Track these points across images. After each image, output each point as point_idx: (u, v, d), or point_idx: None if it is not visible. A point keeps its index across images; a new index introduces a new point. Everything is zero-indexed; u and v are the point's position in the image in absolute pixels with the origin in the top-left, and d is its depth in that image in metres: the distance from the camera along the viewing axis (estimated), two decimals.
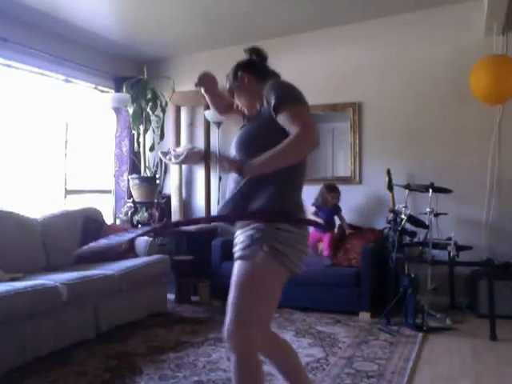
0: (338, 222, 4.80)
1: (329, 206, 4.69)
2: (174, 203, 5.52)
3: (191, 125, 5.71)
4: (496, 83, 4.01)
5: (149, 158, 5.49)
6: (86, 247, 2.02)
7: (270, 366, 2.13)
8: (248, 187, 1.80)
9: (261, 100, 1.89)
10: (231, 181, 1.89)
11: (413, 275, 3.91)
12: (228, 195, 1.88)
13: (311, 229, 4.56)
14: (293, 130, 1.70)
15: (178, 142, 5.60)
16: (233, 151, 1.93)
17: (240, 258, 1.77)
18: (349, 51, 5.06)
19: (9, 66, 4.19)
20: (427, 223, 4.05)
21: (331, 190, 4.70)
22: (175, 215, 5.48)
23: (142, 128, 5.18)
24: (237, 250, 1.81)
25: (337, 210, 4.74)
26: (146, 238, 4.52)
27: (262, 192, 1.78)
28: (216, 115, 2.31)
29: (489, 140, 4.53)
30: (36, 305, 3.03)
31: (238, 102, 2.05)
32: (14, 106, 4.35)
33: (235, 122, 2.20)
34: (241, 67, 2.03)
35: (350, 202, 4.92)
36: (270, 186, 1.79)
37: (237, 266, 1.77)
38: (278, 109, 1.75)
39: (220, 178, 5.28)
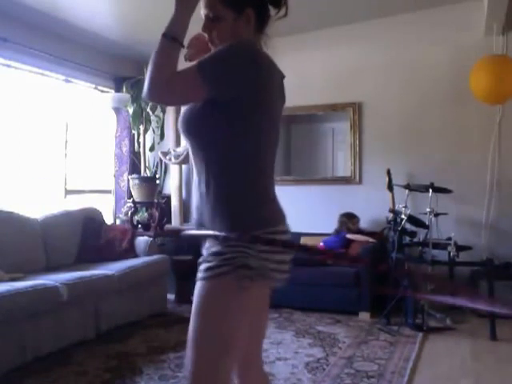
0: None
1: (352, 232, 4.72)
2: (174, 203, 5.52)
3: None
4: (496, 83, 4.01)
5: (149, 158, 5.49)
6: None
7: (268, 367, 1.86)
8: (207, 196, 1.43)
9: None
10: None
11: (413, 275, 3.91)
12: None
13: (321, 246, 4.65)
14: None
15: (177, 142, 5.59)
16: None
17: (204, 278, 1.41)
18: (349, 51, 5.06)
19: (9, 66, 4.19)
20: (427, 223, 4.05)
21: (352, 217, 4.76)
22: (175, 215, 5.48)
23: (141, 128, 5.18)
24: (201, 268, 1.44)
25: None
26: (145, 237, 4.52)
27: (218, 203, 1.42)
28: None
29: (489, 140, 4.53)
30: (36, 305, 3.03)
31: (204, 45, 1.51)
32: (14, 106, 4.35)
33: None
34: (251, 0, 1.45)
35: (350, 202, 4.92)
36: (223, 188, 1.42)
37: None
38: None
39: None
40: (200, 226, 1.46)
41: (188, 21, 1.39)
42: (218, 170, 1.42)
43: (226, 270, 1.35)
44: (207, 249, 1.46)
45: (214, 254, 1.38)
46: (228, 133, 1.39)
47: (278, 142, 1.51)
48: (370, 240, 4.52)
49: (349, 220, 4.71)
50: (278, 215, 1.47)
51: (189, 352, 1.38)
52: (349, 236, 4.62)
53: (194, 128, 1.43)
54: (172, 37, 1.34)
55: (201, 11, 1.46)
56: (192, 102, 1.42)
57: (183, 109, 1.48)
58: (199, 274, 1.42)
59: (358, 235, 4.61)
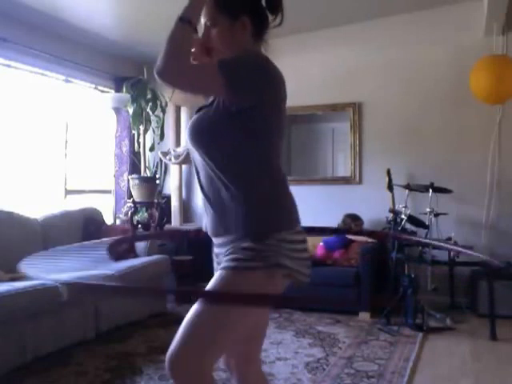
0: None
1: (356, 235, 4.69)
2: (174, 203, 5.52)
3: None
4: (496, 83, 4.01)
5: (149, 158, 5.49)
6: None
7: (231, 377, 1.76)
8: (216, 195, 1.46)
9: None
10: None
11: (413, 275, 3.92)
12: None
13: (321, 247, 4.64)
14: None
15: (177, 142, 5.60)
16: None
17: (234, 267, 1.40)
18: (349, 51, 5.06)
19: (9, 66, 4.19)
20: (427, 223, 4.05)
21: (355, 219, 4.73)
22: (175, 215, 5.48)
23: (141, 128, 5.17)
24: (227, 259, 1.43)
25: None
26: None
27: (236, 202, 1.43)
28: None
29: (489, 140, 4.53)
30: (36, 305, 3.03)
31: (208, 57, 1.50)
32: (14, 106, 4.35)
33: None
34: (245, 4, 1.48)
35: (350, 202, 4.92)
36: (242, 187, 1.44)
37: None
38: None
39: None
40: (219, 233, 1.48)
41: (202, 8, 1.43)
42: (237, 178, 1.44)
43: (257, 266, 1.37)
44: (223, 246, 1.47)
45: (246, 248, 1.39)
46: (244, 141, 1.42)
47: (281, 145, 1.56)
48: (369, 240, 4.51)
49: (352, 221, 4.71)
50: (297, 215, 1.59)
51: (184, 329, 1.38)
52: (350, 236, 4.61)
53: (207, 138, 1.43)
54: (188, 20, 1.36)
55: (201, 20, 1.49)
56: (203, 94, 1.48)
57: (192, 119, 1.50)
58: (224, 263, 1.41)
59: (359, 236, 4.60)
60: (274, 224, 1.45)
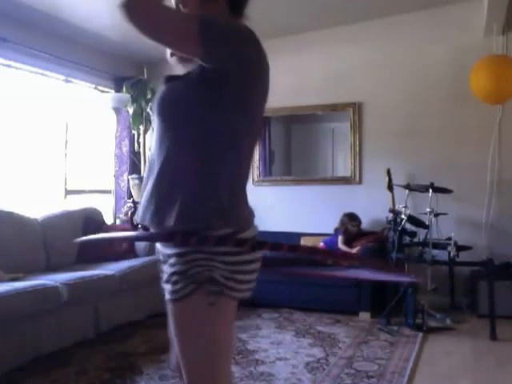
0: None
1: (350, 236, 4.67)
2: None
3: None
4: (496, 83, 4.01)
5: (149, 158, 5.49)
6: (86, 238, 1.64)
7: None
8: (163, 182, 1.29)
9: None
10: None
11: (413, 275, 3.91)
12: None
13: (321, 246, 4.65)
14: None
15: None
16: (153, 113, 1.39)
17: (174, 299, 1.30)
18: (349, 51, 5.06)
19: (9, 66, 4.19)
20: (427, 223, 4.05)
21: (352, 219, 4.70)
22: None
23: (141, 128, 5.17)
24: (167, 286, 1.32)
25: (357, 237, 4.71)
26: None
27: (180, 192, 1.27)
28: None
29: (489, 140, 4.53)
30: (36, 305, 3.03)
31: None
32: (13, 106, 4.35)
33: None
34: None
35: (350, 202, 4.92)
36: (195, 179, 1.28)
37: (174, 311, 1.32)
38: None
39: None
40: (156, 224, 1.31)
41: None
42: (192, 158, 1.27)
43: (191, 290, 1.26)
44: (165, 258, 1.36)
45: (176, 273, 1.27)
46: (210, 117, 1.28)
47: (257, 137, 1.43)
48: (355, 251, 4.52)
49: (349, 221, 4.70)
50: (253, 215, 1.37)
51: (188, 373, 1.31)
52: (340, 246, 4.61)
53: (174, 110, 1.30)
54: None
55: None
56: (170, 43, 1.26)
57: (163, 89, 1.36)
58: (167, 295, 1.32)
59: (350, 249, 4.59)
60: (231, 221, 1.27)
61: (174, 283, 1.28)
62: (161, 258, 1.43)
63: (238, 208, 1.30)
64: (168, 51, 1.44)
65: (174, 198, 1.26)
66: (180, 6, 1.37)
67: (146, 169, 1.39)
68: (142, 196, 1.35)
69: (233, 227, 1.27)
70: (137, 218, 1.38)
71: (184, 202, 1.25)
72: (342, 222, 4.73)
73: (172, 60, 1.48)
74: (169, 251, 1.33)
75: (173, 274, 1.29)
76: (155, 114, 1.34)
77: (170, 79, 1.39)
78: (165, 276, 1.34)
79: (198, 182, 1.27)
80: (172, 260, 1.30)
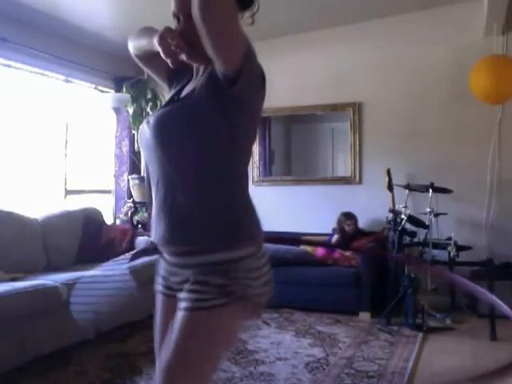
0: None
1: (348, 234, 4.67)
2: None
3: None
4: (496, 83, 4.01)
5: None
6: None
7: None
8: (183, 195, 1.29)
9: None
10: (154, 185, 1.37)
11: (413, 275, 3.91)
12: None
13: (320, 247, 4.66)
14: None
15: None
16: (147, 138, 1.34)
17: (195, 308, 1.27)
18: (349, 51, 5.06)
19: (9, 66, 4.19)
20: (427, 223, 4.05)
21: (348, 217, 4.70)
22: None
23: None
24: (186, 294, 1.30)
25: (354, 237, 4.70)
26: (145, 237, 4.51)
27: (207, 205, 1.30)
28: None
29: (489, 140, 4.53)
30: (36, 305, 3.03)
31: (185, 45, 1.31)
32: (13, 106, 4.35)
33: (159, 75, 1.58)
34: None
35: (350, 202, 4.92)
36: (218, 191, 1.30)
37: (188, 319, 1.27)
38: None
39: None
40: (177, 244, 1.33)
41: None
42: (216, 179, 1.30)
43: (224, 302, 1.26)
44: (178, 268, 1.36)
45: (212, 285, 1.27)
46: (228, 135, 1.30)
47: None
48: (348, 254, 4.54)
49: (345, 220, 4.70)
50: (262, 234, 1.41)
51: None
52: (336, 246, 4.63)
53: (185, 131, 1.28)
54: None
55: (173, 10, 1.35)
56: (222, 44, 1.21)
57: (158, 114, 1.35)
58: (185, 303, 1.28)
59: (345, 252, 4.60)
60: (254, 235, 1.34)
61: (202, 292, 1.27)
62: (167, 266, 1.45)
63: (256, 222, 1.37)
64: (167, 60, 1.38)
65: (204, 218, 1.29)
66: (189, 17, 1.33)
67: (154, 186, 1.36)
68: (157, 214, 1.34)
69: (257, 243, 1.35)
70: (155, 238, 1.37)
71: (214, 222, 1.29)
72: (339, 222, 4.73)
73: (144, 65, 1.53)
74: (194, 261, 1.32)
75: (202, 282, 1.28)
76: (153, 133, 1.31)
77: (169, 103, 1.41)
78: (185, 282, 1.32)
79: (227, 201, 1.31)
80: (202, 270, 1.30)
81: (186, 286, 1.31)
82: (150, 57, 1.50)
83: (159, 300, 1.47)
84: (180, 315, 1.28)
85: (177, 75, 1.50)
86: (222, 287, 1.26)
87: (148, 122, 1.35)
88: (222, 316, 1.27)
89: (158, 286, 1.47)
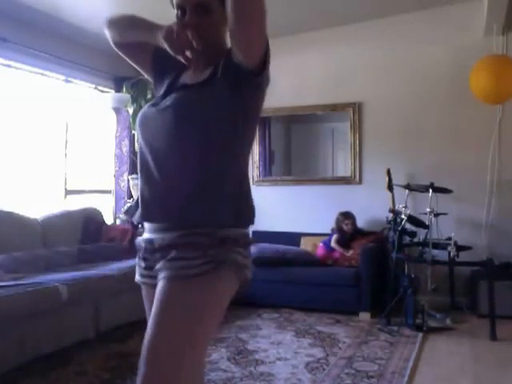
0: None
1: (346, 235, 4.67)
2: None
3: None
4: (496, 83, 4.01)
5: None
6: None
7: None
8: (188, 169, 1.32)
9: (219, 49, 1.38)
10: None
11: (413, 275, 3.91)
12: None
13: (321, 247, 4.66)
14: None
15: None
16: (156, 119, 1.35)
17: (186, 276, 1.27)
18: (349, 51, 5.06)
19: (9, 66, 4.19)
20: (427, 223, 4.05)
21: (346, 217, 4.70)
22: None
23: None
24: (171, 265, 1.30)
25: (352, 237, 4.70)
26: None
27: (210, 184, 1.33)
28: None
29: (489, 140, 4.53)
30: (36, 305, 3.03)
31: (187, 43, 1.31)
32: (13, 106, 4.35)
33: (141, 64, 1.58)
34: None
35: (350, 202, 4.92)
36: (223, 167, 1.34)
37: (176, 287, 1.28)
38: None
39: None
40: (178, 222, 1.32)
41: None
42: (221, 162, 1.33)
43: (213, 267, 1.27)
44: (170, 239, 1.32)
45: (198, 247, 1.28)
46: (240, 126, 1.35)
47: None
48: (347, 254, 4.56)
49: (343, 219, 4.70)
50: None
51: (160, 358, 1.21)
52: (333, 245, 4.62)
53: (204, 114, 1.31)
54: None
55: (178, 1, 1.35)
56: (248, 34, 1.27)
57: (176, 97, 1.35)
58: (166, 272, 1.28)
59: (338, 247, 4.61)
60: (249, 218, 1.39)
61: (192, 260, 1.27)
62: (145, 245, 1.42)
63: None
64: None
65: (202, 197, 1.31)
66: (202, 10, 1.34)
67: (154, 166, 1.35)
68: (151, 192, 1.35)
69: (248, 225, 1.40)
70: (142, 215, 1.38)
71: (212, 201, 1.31)
72: (337, 221, 4.73)
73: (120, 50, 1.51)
74: (172, 240, 1.32)
75: (187, 246, 1.29)
76: (176, 116, 1.32)
77: (183, 87, 1.40)
78: (167, 256, 1.31)
79: (227, 183, 1.33)
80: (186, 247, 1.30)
81: (170, 255, 1.30)
82: (133, 46, 1.51)
83: (146, 292, 1.47)
84: (161, 286, 1.27)
85: (161, 64, 1.50)
86: (207, 249, 1.27)
87: (155, 105, 1.38)
88: (211, 281, 1.27)
89: (143, 278, 1.46)
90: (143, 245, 1.43)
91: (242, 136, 1.37)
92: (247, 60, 1.28)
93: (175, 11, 1.39)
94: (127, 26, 1.49)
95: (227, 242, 1.30)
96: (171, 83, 1.46)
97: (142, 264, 1.45)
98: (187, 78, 1.44)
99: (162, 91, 1.45)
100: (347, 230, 4.66)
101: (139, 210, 1.39)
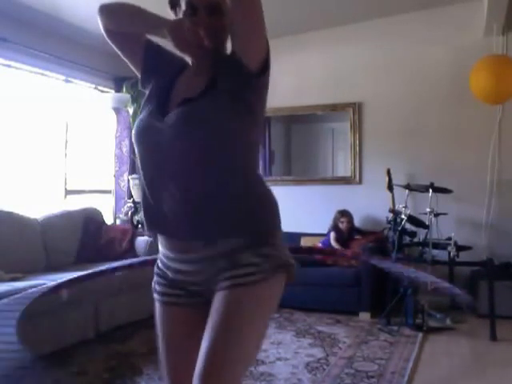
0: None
1: (344, 233, 4.67)
2: None
3: None
4: (496, 83, 4.01)
5: None
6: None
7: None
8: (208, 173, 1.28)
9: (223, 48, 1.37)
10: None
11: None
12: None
13: (334, 246, 4.66)
14: None
15: None
16: (160, 129, 1.30)
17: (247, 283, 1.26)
18: (349, 51, 5.06)
19: (9, 66, 4.19)
20: (427, 223, 4.05)
21: (342, 214, 4.71)
22: None
23: None
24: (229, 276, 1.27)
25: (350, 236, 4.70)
26: (145, 237, 4.52)
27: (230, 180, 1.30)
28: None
29: (489, 140, 4.53)
30: (36, 305, 3.03)
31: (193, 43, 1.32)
32: (14, 106, 4.35)
33: (131, 57, 1.58)
34: None
35: (350, 202, 4.92)
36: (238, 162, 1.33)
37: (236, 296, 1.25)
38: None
39: None
40: (215, 234, 1.29)
41: None
42: (244, 168, 1.33)
43: (272, 271, 1.29)
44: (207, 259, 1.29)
45: (260, 256, 1.28)
46: (247, 128, 1.34)
47: None
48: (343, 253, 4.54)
49: (339, 217, 4.71)
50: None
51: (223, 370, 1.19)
52: (332, 243, 4.63)
53: (215, 124, 1.28)
54: None
55: (194, 1, 1.33)
56: (251, 23, 1.28)
57: (183, 110, 1.30)
58: (229, 282, 1.25)
59: (338, 246, 4.61)
60: (277, 222, 1.38)
61: (253, 267, 1.27)
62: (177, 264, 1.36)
63: None
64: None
65: (241, 204, 1.30)
66: (214, 11, 1.33)
67: (175, 185, 1.28)
68: (181, 210, 1.28)
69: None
70: (176, 234, 1.31)
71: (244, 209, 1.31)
72: (334, 219, 4.74)
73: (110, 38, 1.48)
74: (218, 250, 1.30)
75: (256, 256, 1.28)
76: (187, 128, 1.28)
77: (186, 101, 1.33)
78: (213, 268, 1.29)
79: (254, 185, 1.35)
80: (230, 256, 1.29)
81: (227, 266, 1.27)
82: (126, 35, 1.47)
83: (172, 313, 1.40)
84: (226, 295, 1.24)
85: (153, 60, 1.48)
86: (268, 257, 1.29)
87: (153, 115, 1.32)
88: (271, 286, 1.29)
89: (169, 298, 1.39)
90: (172, 265, 1.37)
91: (253, 138, 1.37)
92: (249, 60, 1.28)
93: (183, 8, 1.36)
94: (124, 14, 1.45)
95: (276, 243, 1.33)
96: (166, 88, 1.40)
97: (170, 290, 1.39)
98: (183, 85, 1.38)
99: (155, 98, 1.39)
100: (343, 228, 4.66)
101: (163, 229, 1.34)
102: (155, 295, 1.43)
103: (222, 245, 1.28)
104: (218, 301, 1.25)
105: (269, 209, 1.35)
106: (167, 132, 1.28)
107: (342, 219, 4.67)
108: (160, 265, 1.43)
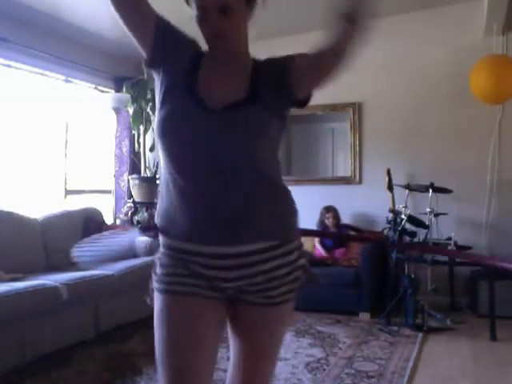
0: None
1: (330, 229, 4.68)
2: None
3: None
4: (496, 83, 4.01)
5: (149, 158, 5.49)
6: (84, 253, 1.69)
7: None
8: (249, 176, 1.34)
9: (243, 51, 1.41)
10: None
11: (413, 275, 3.91)
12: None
13: (319, 249, 4.68)
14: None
15: None
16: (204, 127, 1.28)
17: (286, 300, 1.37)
18: None
19: (9, 66, 4.19)
20: (427, 223, 4.05)
21: (327, 210, 4.75)
22: None
23: (142, 128, 5.17)
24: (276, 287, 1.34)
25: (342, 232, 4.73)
26: (145, 238, 4.51)
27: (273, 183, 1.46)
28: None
29: (489, 140, 4.53)
30: (36, 305, 3.03)
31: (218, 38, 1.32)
32: (14, 106, 4.35)
33: (139, 33, 1.48)
34: None
35: (350, 202, 4.92)
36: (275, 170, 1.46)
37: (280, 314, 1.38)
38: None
39: None
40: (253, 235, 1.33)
41: None
42: (277, 171, 1.46)
43: (304, 282, 1.40)
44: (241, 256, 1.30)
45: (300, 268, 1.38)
46: (280, 138, 1.45)
47: None
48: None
49: (325, 213, 4.73)
50: None
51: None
52: (317, 245, 4.66)
53: (273, 132, 1.37)
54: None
55: (204, 3, 1.29)
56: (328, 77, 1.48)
57: (245, 115, 1.30)
58: (278, 299, 1.34)
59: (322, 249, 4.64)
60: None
61: (277, 287, 1.33)
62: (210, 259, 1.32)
63: None
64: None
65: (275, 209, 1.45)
66: (226, 9, 1.29)
67: (220, 185, 1.30)
68: (223, 212, 1.30)
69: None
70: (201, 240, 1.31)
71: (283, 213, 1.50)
72: (320, 215, 4.77)
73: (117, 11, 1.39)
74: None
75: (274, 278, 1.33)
76: (253, 133, 1.31)
77: (237, 104, 1.32)
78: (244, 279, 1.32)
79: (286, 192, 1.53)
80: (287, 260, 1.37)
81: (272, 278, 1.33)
82: (137, 7, 1.39)
83: (190, 302, 1.33)
84: (273, 312, 1.35)
85: (166, 38, 1.41)
86: (304, 268, 1.39)
87: (191, 106, 1.29)
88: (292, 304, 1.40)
89: (192, 288, 1.33)
90: (199, 260, 1.32)
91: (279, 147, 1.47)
92: (301, 93, 1.41)
93: (194, 12, 1.33)
94: None
95: (302, 249, 1.43)
96: (190, 79, 1.35)
97: (196, 281, 1.33)
98: (214, 81, 1.34)
99: (183, 89, 1.33)
100: (329, 224, 4.68)
101: (199, 232, 1.32)
102: (163, 286, 1.35)
103: (257, 244, 1.32)
104: (260, 315, 1.36)
105: (296, 217, 1.51)
106: (219, 129, 1.28)
107: (328, 215, 4.70)
108: (172, 257, 1.38)
